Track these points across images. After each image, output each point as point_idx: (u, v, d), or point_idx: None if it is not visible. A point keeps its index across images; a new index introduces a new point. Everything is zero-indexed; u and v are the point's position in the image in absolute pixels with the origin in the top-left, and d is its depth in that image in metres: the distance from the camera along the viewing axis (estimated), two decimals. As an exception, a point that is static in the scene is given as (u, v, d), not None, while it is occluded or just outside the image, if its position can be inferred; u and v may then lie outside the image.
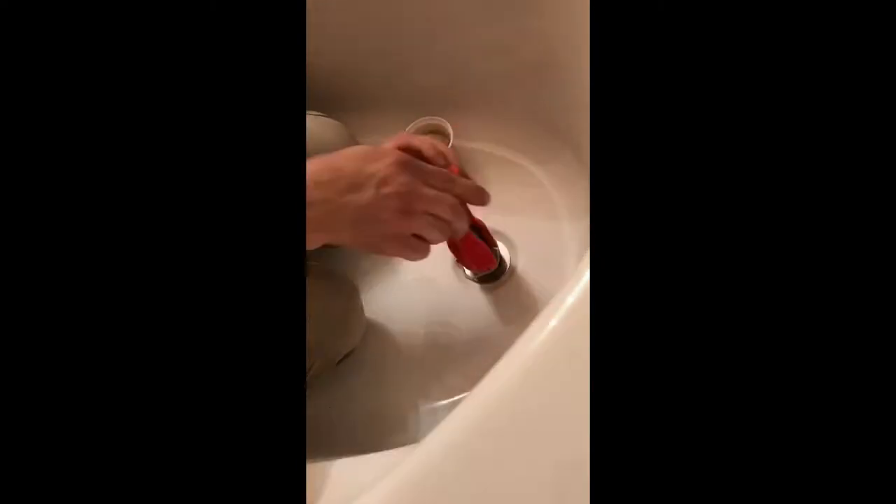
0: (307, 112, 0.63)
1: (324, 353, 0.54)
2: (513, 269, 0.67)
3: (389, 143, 0.46)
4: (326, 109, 0.66)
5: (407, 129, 0.70)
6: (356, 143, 0.67)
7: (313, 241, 0.39)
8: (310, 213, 0.37)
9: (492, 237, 0.57)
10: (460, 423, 0.28)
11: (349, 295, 0.58)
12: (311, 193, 0.37)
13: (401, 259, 0.71)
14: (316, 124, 0.62)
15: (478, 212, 0.71)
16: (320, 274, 0.56)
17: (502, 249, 0.67)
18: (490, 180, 0.73)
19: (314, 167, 0.38)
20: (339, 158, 0.40)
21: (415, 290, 0.69)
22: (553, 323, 0.29)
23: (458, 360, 0.64)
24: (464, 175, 0.48)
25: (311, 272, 0.54)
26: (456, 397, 0.62)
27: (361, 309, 0.61)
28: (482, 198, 0.47)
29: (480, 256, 0.58)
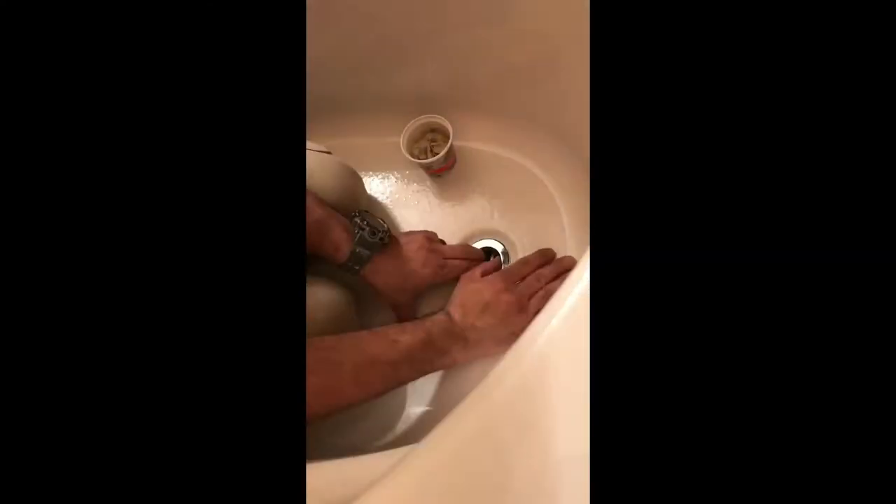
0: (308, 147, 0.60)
1: None
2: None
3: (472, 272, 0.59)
4: (326, 110, 0.66)
5: (407, 129, 0.70)
6: (358, 178, 0.66)
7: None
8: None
9: None
10: (460, 423, 0.28)
11: (346, 301, 0.58)
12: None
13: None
14: (316, 162, 0.60)
15: (477, 209, 0.72)
16: (314, 281, 0.55)
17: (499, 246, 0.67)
18: (490, 179, 0.73)
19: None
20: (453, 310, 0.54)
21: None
22: (553, 323, 0.29)
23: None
24: None
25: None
26: (456, 398, 0.61)
27: (357, 319, 0.60)
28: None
29: None
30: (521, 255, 0.67)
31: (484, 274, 0.57)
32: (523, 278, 0.56)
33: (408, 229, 0.73)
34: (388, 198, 0.76)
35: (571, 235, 0.67)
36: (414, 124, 0.70)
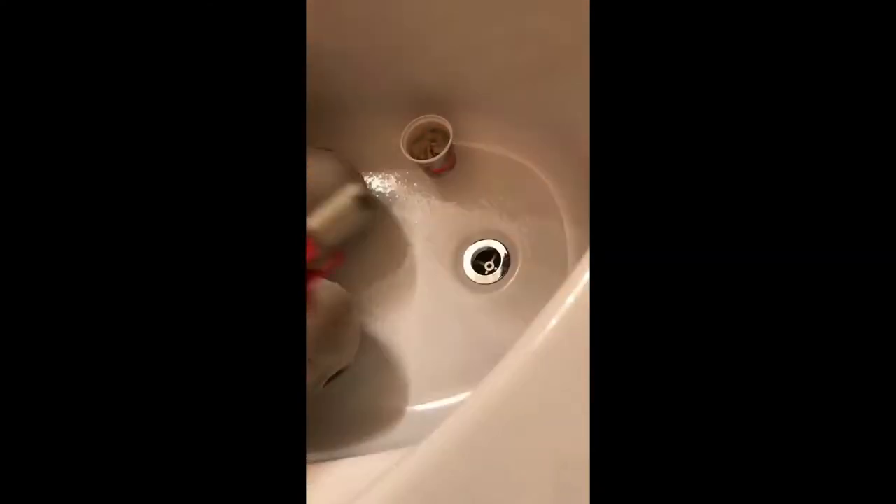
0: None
1: (313, 369, 0.52)
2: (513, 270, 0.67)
3: None
4: (326, 110, 0.66)
5: (407, 129, 0.70)
6: (356, 172, 0.66)
7: None
8: None
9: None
10: (461, 423, 0.28)
11: (345, 305, 0.56)
12: None
13: (399, 262, 0.71)
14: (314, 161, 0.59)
15: (478, 210, 0.72)
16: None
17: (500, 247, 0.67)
18: (490, 180, 0.73)
19: None
20: None
21: (413, 290, 0.69)
22: (553, 323, 0.29)
23: (457, 360, 0.64)
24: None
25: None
26: (456, 398, 0.62)
27: (358, 322, 0.59)
28: None
29: None
30: (521, 256, 0.68)
31: None
32: None
33: (408, 230, 0.74)
34: (388, 198, 0.76)
35: (572, 235, 0.67)
36: (414, 124, 0.70)
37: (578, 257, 0.30)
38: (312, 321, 0.51)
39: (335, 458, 0.37)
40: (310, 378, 0.52)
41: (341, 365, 0.57)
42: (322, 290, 0.55)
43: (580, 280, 0.29)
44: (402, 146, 0.69)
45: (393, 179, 0.77)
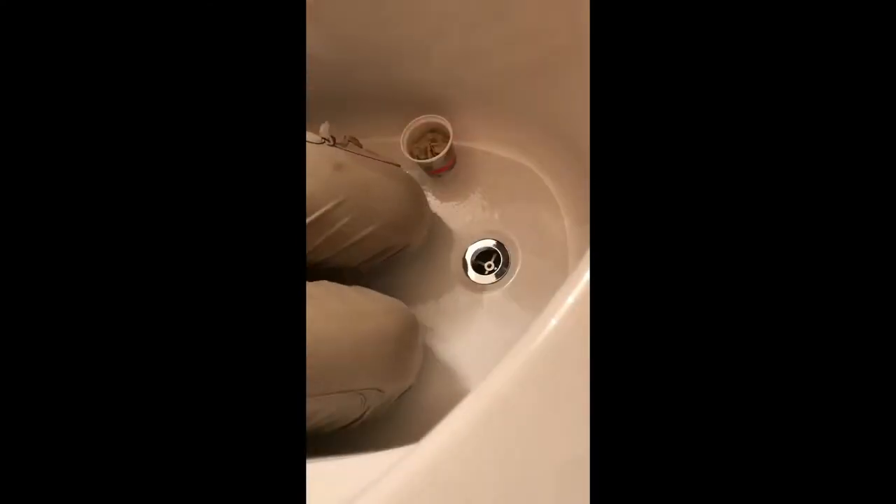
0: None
1: (382, 396, 0.53)
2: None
3: None
4: (327, 109, 0.66)
5: (407, 129, 0.70)
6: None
7: None
8: None
9: None
10: (461, 422, 0.28)
11: (414, 330, 0.55)
12: None
13: (400, 260, 0.71)
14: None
15: (477, 209, 0.72)
16: (380, 305, 0.54)
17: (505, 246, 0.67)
18: (490, 179, 0.74)
19: None
20: None
21: (414, 290, 0.69)
22: (553, 323, 0.29)
23: (457, 359, 0.64)
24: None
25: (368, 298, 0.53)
26: (456, 397, 0.62)
27: (422, 343, 0.58)
28: None
29: None
30: (521, 256, 0.68)
31: None
32: None
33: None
34: (388, 198, 0.76)
35: (571, 235, 0.67)
36: (414, 124, 0.70)
37: (578, 257, 0.29)
38: (383, 350, 0.50)
39: (335, 458, 0.37)
40: (378, 403, 0.53)
41: (407, 386, 0.57)
42: (394, 313, 0.54)
43: (580, 280, 0.29)
44: (402, 146, 0.69)
45: (393, 179, 0.77)
